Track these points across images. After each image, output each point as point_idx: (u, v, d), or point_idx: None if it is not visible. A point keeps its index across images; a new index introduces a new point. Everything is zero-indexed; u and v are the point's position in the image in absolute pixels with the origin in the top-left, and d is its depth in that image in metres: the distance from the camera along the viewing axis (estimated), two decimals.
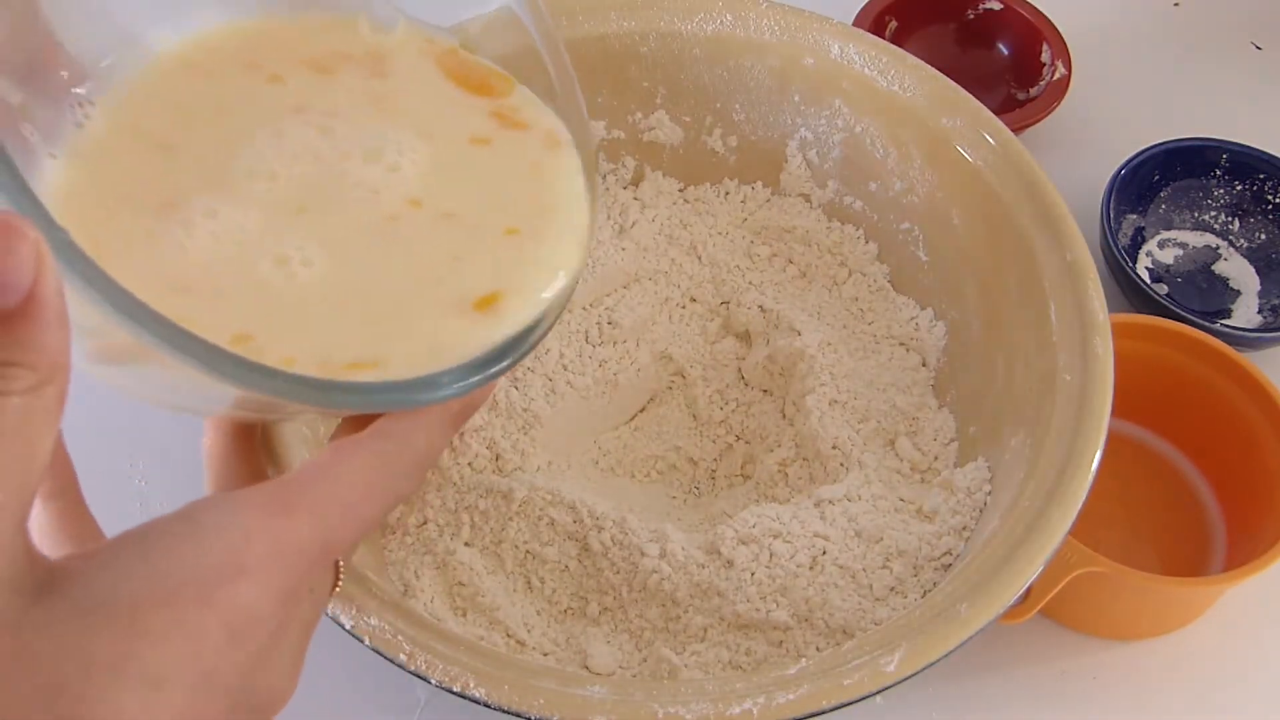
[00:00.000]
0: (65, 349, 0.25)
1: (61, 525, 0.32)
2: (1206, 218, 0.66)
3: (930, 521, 0.48)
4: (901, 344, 0.56)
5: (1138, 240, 0.65)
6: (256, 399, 0.29)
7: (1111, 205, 0.62)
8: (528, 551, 0.48)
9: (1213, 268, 0.65)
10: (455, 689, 0.38)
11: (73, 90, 0.34)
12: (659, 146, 0.60)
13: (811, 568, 0.46)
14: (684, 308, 0.58)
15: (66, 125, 0.34)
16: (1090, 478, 0.42)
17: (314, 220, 0.34)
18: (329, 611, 0.39)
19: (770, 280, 0.59)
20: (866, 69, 0.54)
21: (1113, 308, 0.47)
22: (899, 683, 0.38)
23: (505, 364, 0.33)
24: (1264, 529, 0.50)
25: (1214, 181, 0.65)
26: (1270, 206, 0.65)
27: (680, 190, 0.61)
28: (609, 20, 0.56)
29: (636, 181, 0.61)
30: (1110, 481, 0.48)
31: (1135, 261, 0.64)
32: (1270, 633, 0.52)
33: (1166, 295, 0.61)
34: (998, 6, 0.72)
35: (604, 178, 0.60)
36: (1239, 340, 0.57)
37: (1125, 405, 0.48)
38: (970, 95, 0.53)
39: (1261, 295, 0.63)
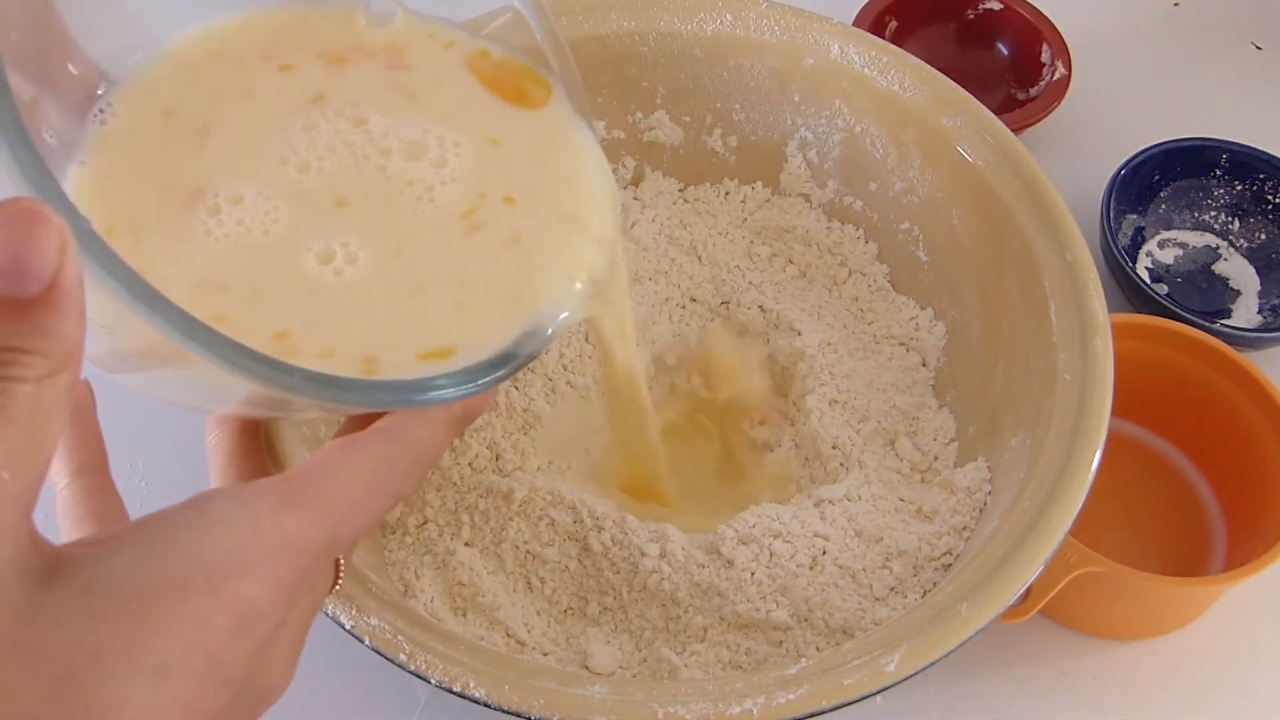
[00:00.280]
0: (81, 339, 0.25)
1: (87, 501, 0.32)
2: (1206, 218, 0.66)
3: (930, 521, 0.48)
4: (901, 344, 0.56)
5: (1138, 240, 0.65)
6: (266, 395, 0.29)
7: (1111, 205, 0.62)
8: (528, 552, 0.48)
9: (1213, 268, 0.65)
10: (455, 689, 0.38)
11: (93, 91, 0.35)
12: (659, 146, 0.60)
13: (811, 568, 0.46)
14: (684, 308, 0.58)
15: (88, 124, 0.34)
16: (1090, 478, 0.42)
17: (355, 214, 0.34)
18: (329, 611, 0.39)
19: (770, 280, 0.59)
20: (866, 69, 0.54)
21: (1113, 308, 0.47)
22: (899, 683, 0.38)
23: (515, 365, 0.34)
24: (1264, 529, 0.50)
25: (1214, 181, 0.65)
26: (1270, 206, 0.65)
27: (680, 190, 0.61)
28: (609, 20, 0.56)
29: (636, 181, 0.61)
30: (1110, 481, 0.48)
31: (1135, 261, 0.64)
32: (1270, 633, 0.52)
33: (1166, 295, 0.61)
34: (998, 6, 0.72)
35: None
36: (1239, 340, 0.57)
37: (1125, 405, 0.48)
38: (970, 95, 0.53)
39: (1261, 295, 0.63)
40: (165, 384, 0.32)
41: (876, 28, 0.70)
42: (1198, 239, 0.66)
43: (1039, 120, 0.67)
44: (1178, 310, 0.58)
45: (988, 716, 0.49)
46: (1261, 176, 0.64)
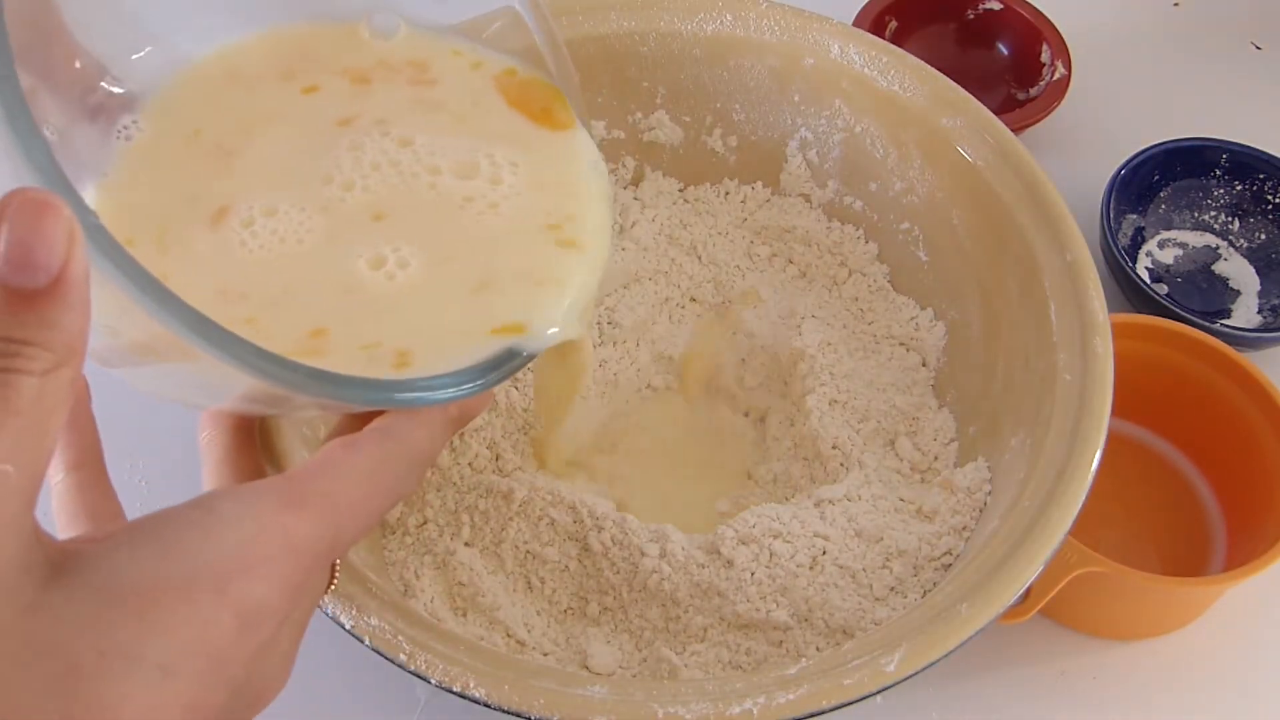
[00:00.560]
0: (85, 332, 0.25)
1: (81, 496, 0.32)
2: (1206, 218, 0.66)
3: (930, 521, 0.48)
4: (901, 344, 0.56)
5: (1138, 240, 0.65)
6: (268, 392, 0.29)
7: (1111, 205, 0.62)
8: (528, 552, 0.48)
9: (1213, 268, 0.65)
10: (455, 689, 0.38)
11: (93, 86, 0.35)
12: (659, 146, 0.60)
13: (811, 568, 0.46)
14: (684, 308, 0.58)
15: (111, 141, 0.35)
16: (1090, 478, 0.42)
17: (397, 225, 0.35)
18: (329, 611, 0.39)
19: (770, 280, 0.59)
20: (866, 69, 0.54)
21: (1113, 308, 0.47)
22: (899, 683, 0.38)
23: (515, 364, 0.34)
24: (1264, 529, 0.50)
25: (1214, 181, 0.65)
26: (1270, 206, 0.65)
27: (680, 190, 0.61)
28: (609, 20, 0.56)
29: (636, 181, 0.61)
30: (1110, 481, 0.48)
31: (1135, 261, 0.64)
32: (1270, 633, 0.52)
33: (1166, 295, 0.61)
34: (998, 6, 0.72)
35: None
36: (1239, 340, 0.57)
37: (1125, 405, 0.48)
38: (970, 95, 0.53)
39: (1261, 295, 0.63)
40: (165, 379, 0.32)
41: (876, 28, 0.70)
42: (1198, 239, 0.66)
43: (1039, 120, 0.67)
44: (1178, 310, 0.58)
45: (988, 716, 0.49)
46: (1261, 176, 0.64)
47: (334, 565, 0.34)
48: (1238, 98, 0.73)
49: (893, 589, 0.46)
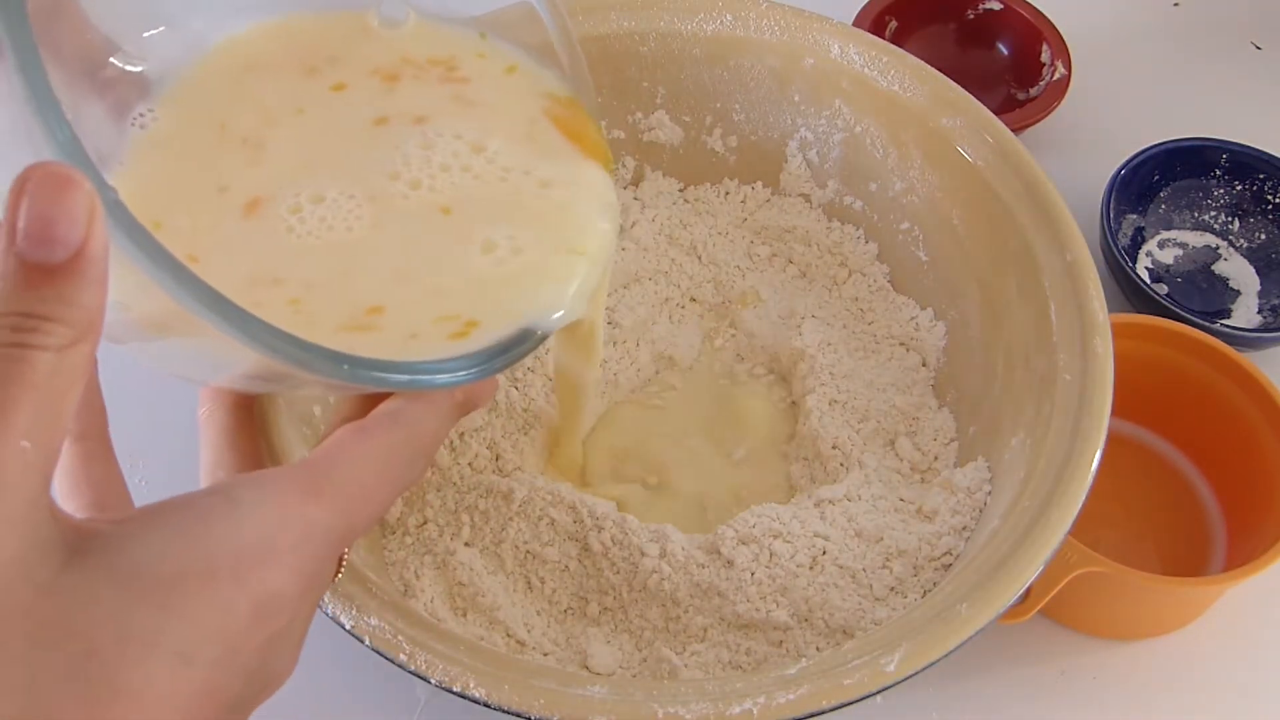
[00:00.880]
0: (103, 308, 0.25)
1: (86, 468, 0.32)
2: (1206, 218, 0.66)
3: (930, 521, 0.48)
4: (901, 344, 0.56)
5: (1138, 240, 0.65)
6: (282, 371, 0.29)
7: (1111, 205, 0.62)
8: (528, 552, 0.48)
9: (1213, 268, 0.65)
10: (455, 689, 0.38)
11: (102, 62, 0.35)
12: (659, 146, 0.60)
13: (811, 568, 0.46)
14: (684, 308, 0.58)
15: (126, 129, 0.35)
16: (1090, 478, 0.42)
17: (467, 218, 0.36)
18: (329, 611, 0.39)
19: (770, 280, 0.59)
20: (866, 69, 0.54)
21: (1113, 308, 0.47)
22: (899, 683, 0.38)
23: (528, 345, 0.34)
24: (1264, 529, 0.50)
25: (1214, 181, 0.65)
26: (1270, 206, 0.65)
27: (680, 190, 0.61)
28: (609, 20, 0.56)
29: (636, 181, 0.61)
30: (1110, 481, 0.48)
31: (1135, 261, 0.64)
32: (1270, 633, 0.52)
33: (1166, 295, 0.61)
34: (998, 6, 0.72)
35: None
36: (1239, 340, 0.57)
37: (1125, 405, 0.48)
38: (970, 95, 0.53)
39: (1261, 295, 0.63)
40: (175, 355, 0.32)
41: (876, 28, 0.70)
42: (1198, 239, 0.66)
43: (1039, 120, 0.67)
44: (1178, 310, 0.58)
45: (988, 716, 0.49)
46: (1261, 176, 0.64)
47: (341, 555, 0.34)
48: (1238, 98, 0.73)
49: (893, 589, 0.46)
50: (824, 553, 0.47)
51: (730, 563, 0.46)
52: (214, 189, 0.35)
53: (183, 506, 0.27)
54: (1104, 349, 0.45)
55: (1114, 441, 0.46)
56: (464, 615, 0.46)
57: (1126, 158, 0.63)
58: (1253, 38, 0.77)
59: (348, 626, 0.39)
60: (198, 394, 0.44)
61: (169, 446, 0.55)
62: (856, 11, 0.70)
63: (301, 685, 0.50)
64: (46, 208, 0.23)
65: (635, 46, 0.57)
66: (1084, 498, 0.42)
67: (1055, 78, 0.68)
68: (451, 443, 0.51)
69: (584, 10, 0.56)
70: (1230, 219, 0.65)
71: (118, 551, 0.25)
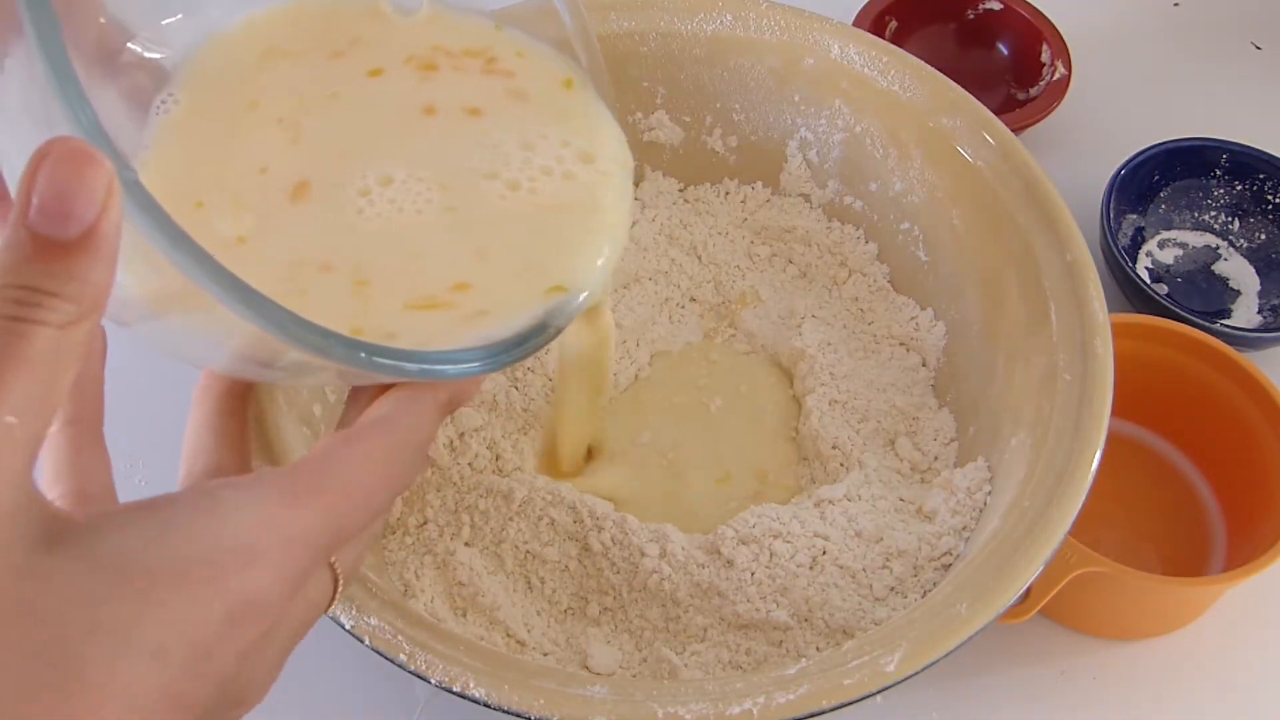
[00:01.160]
0: (109, 287, 0.25)
1: (73, 454, 0.31)
2: (1206, 218, 0.66)
3: (930, 521, 0.48)
4: (901, 344, 0.56)
5: (1138, 240, 0.65)
6: (291, 355, 0.29)
7: (1111, 205, 0.62)
8: (528, 552, 0.48)
9: (1213, 268, 0.65)
10: (455, 689, 0.38)
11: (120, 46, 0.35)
12: (659, 146, 0.60)
13: (811, 568, 0.46)
14: (684, 308, 0.58)
15: (141, 114, 0.35)
16: (1090, 478, 0.42)
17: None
18: (329, 612, 0.39)
19: (770, 280, 0.59)
20: (866, 69, 0.54)
21: (1113, 308, 0.47)
22: (899, 683, 0.38)
23: (544, 336, 0.34)
24: (1264, 529, 0.50)
25: (1214, 181, 0.65)
26: (1270, 206, 0.65)
27: (680, 190, 0.61)
28: (609, 20, 0.56)
29: (636, 181, 0.61)
30: (1110, 481, 0.48)
31: (1135, 261, 0.64)
32: (1270, 633, 0.52)
33: (1166, 295, 0.61)
34: (998, 6, 0.72)
35: None
36: (1239, 340, 0.57)
37: (1125, 405, 0.48)
38: (970, 95, 0.53)
39: (1261, 295, 0.63)
40: (187, 340, 0.32)
41: (876, 28, 0.70)
42: (1198, 239, 0.66)
43: (1039, 120, 0.67)
44: (1178, 310, 0.58)
45: (988, 716, 0.49)
46: (1261, 176, 0.64)
47: (336, 579, 0.34)
48: (1238, 98, 0.73)
49: (893, 589, 0.46)
50: (824, 553, 0.47)
51: (730, 563, 0.46)
52: (254, 170, 0.35)
53: (165, 505, 0.27)
54: (1104, 349, 0.45)
55: (1114, 441, 0.46)
56: (464, 615, 0.46)
57: (1126, 158, 0.63)
58: (1253, 38, 0.77)
59: (348, 626, 0.39)
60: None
61: (168, 447, 0.55)
62: (856, 11, 0.70)
63: (302, 685, 0.50)
64: (64, 183, 0.23)
65: (635, 46, 0.57)
66: (1084, 498, 0.42)
67: (1055, 78, 0.68)
68: (451, 442, 0.51)
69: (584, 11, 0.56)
70: (1230, 219, 0.65)
71: (95, 543, 0.25)
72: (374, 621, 0.39)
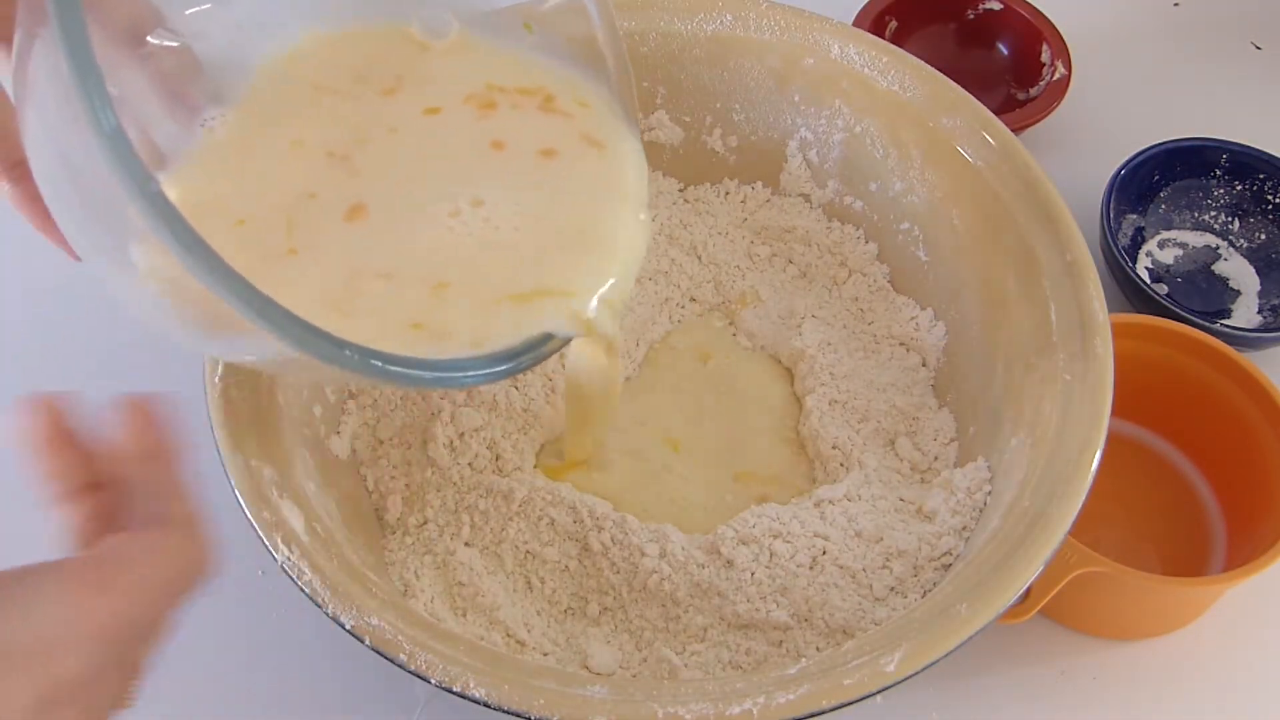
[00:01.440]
0: None
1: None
2: (1206, 218, 0.66)
3: (930, 521, 0.48)
4: (901, 344, 0.56)
5: (1138, 240, 0.65)
6: (307, 361, 0.30)
7: (1111, 205, 0.62)
8: (528, 552, 0.48)
9: (1213, 268, 0.65)
10: (455, 689, 0.38)
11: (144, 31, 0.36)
12: (659, 146, 0.60)
13: (811, 568, 0.46)
14: (684, 307, 0.58)
15: (195, 131, 0.36)
16: (1090, 478, 0.42)
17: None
18: (329, 611, 0.39)
19: (770, 280, 0.59)
20: (866, 69, 0.54)
21: (1113, 308, 0.47)
22: (899, 683, 0.38)
23: (548, 347, 0.36)
24: (1264, 529, 0.50)
25: (1214, 181, 0.65)
26: (1270, 206, 0.65)
27: (680, 190, 0.61)
28: None
29: None
30: (1110, 481, 0.48)
31: (1135, 261, 0.64)
32: (1270, 633, 0.52)
33: (1166, 295, 0.61)
34: (998, 6, 0.72)
35: None
36: (1239, 340, 0.57)
37: (1125, 405, 0.48)
38: (970, 95, 0.53)
39: (1261, 295, 0.63)
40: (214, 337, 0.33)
41: (876, 28, 0.70)
42: (1198, 239, 0.66)
43: (1039, 120, 0.67)
44: (1178, 310, 0.58)
45: (988, 716, 0.49)
46: (1261, 176, 0.64)
47: (132, 682, 0.34)
48: (1238, 98, 0.73)
49: (893, 589, 0.46)
50: (824, 553, 0.47)
51: (730, 563, 0.46)
52: (303, 195, 0.36)
53: None
54: (1104, 349, 0.45)
55: (1114, 441, 0.46)
56: (464, 615, 0.46)
57: (1126, 158, 0.63)
58: (1253, 38, 0.77)
59: (348, 626, 0.39)
60: (202, 393, 0.44)
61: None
62: (856, 11, 0.70)
63: (302, 685, 0.50)
64: None
65: (635, 46, 0.57)
66: (1084, 498, 0.42)
67: (1055, 78, 0.68)
68: (451, 442, 0.51)
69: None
70: (1230, 219, 0.65)
71: None
72: (374, 621, 0.39)
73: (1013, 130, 0.52)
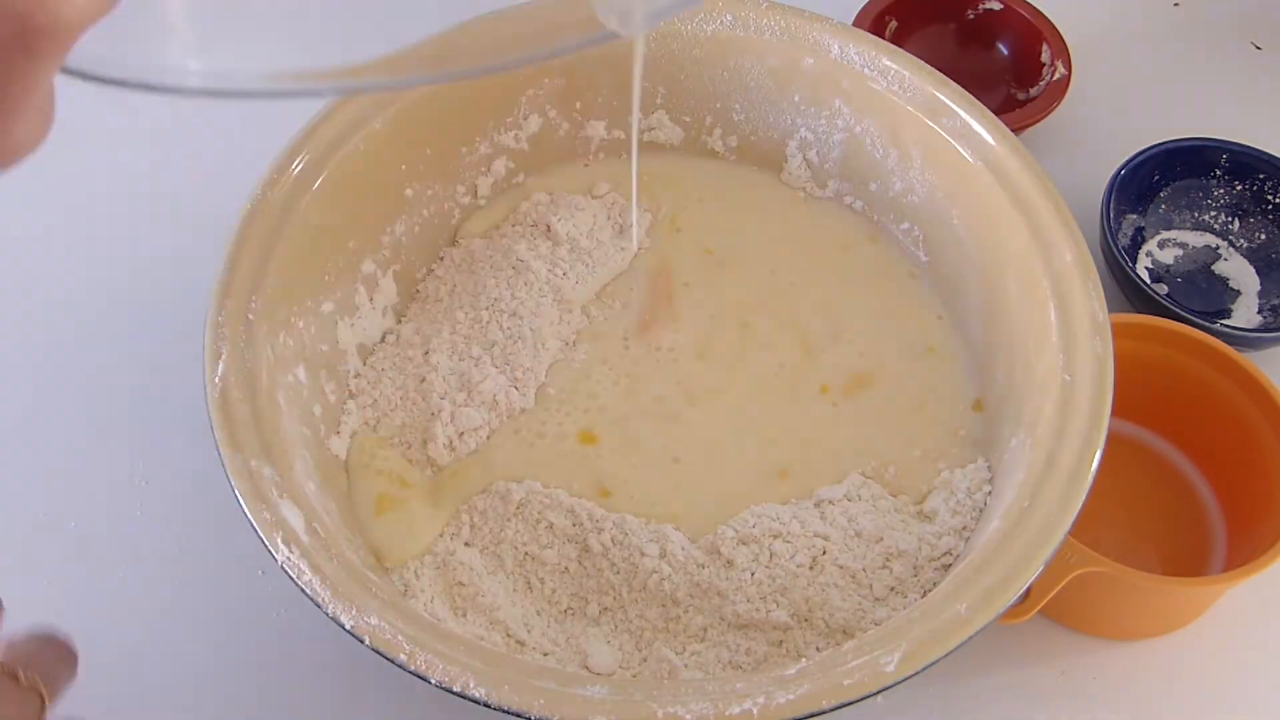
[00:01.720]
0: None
1: None
2: (1206, 218, 0.66)
3: (930, 521, 0.48)
4: None
5: (1138, 240, 0.65)
6: None
7: (1111, 205, 0.62)
8: (526, 553, 0.48)
9: (1213, 268, 0.65)
10: (455, 689, 0.38)
11: None
12: (659, 146, 0.60)
13: (811, 568, 0.46)
14: None
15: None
16: (1090, 478, 0.42)
17: None
18: (329, 611, 0.39)
19: None
20: (866, 69, 0.54)
21: (1113, 308, 0.47)
22: (899, 683, 0.38)
23: None
24: (1264, 529, 0.50)
25: (1214, 181, 0.65)
26: (1270, 206, 0.65)
27: None
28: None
29: None
30: (1110, 481, 0.48)
31: (1135, 261, 0.64)
32: (1270, 633, 0.52)
33: (1166, 295, 0.61)
34: (998, 6, 0.72)
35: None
36: (1239, 340, 0.57)
37: (1125, 405, 0.48)
38: (970, 95, 0.53)
39: (1261, 295, 0.63)
40: None
41: (876, 28, 0.70)
42: (1198, 239, 0.66)
43: (1039, 120, 0.67)
44: (1178, 310, 0.58)
45: (988, 716, 0.49)
46: (1261, 176, 0.64)
47: (41, 695, 0.34)
48: (1238, 98, 0.73)
49: (893, 589, 0.46)
50: (824, 553, 0.47)
51: (730, 563, 0.46)
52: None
53: None
54: (1104, 349, 0.45)
55: (1114, 441, 0.46)
56: (464, 615, 0.46)
57: (1126, 158, 0.63)
58: (1253, 38, 0.77)
59: (348, 626, 0.39)
60: (202, 393, 0.44)
61: (167, 447, 0.55)
62: (856, 11, 0.70)
63: (302, 685, 0.50)
64: None
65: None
66: (1084, 498, 0.42)
67: (1055, 78, 0.68)
68: (451, 442, 0.51)
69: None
70: (1230, 219, 0.65)
71: None
72: (374, 621, 0.39)
73: (1013, 130, 0.52)
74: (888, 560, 0.47)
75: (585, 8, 0.38)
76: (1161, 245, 0.65)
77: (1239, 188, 0.65)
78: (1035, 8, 0.71)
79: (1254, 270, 0.64)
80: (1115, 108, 0.72)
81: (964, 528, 0.47)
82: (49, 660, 0.35)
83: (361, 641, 0.39)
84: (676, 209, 0.59)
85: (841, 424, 0.52)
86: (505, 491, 0.48)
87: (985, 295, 0.52)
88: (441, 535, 0.48)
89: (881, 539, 0.47)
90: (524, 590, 0.48)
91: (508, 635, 0.46)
